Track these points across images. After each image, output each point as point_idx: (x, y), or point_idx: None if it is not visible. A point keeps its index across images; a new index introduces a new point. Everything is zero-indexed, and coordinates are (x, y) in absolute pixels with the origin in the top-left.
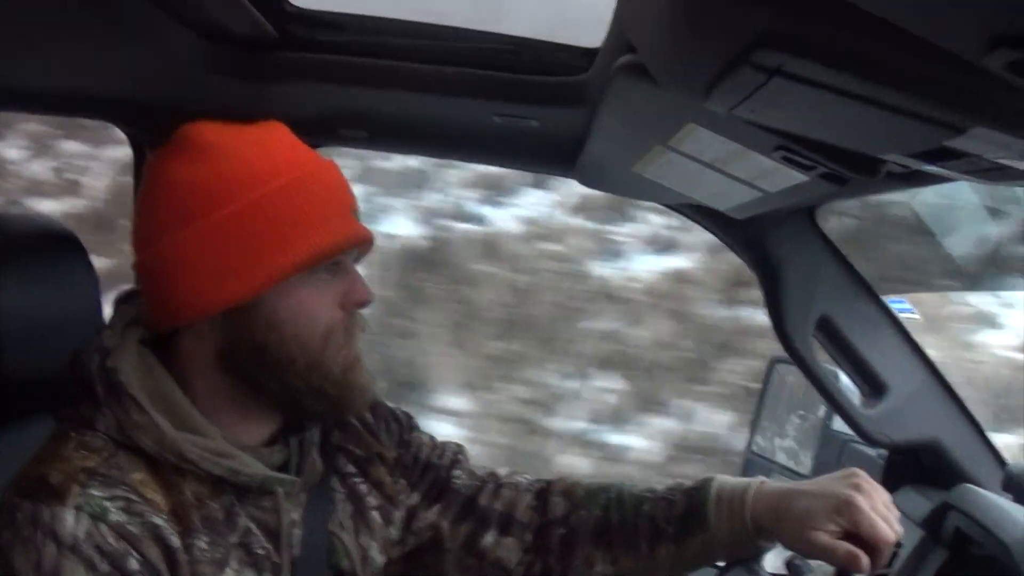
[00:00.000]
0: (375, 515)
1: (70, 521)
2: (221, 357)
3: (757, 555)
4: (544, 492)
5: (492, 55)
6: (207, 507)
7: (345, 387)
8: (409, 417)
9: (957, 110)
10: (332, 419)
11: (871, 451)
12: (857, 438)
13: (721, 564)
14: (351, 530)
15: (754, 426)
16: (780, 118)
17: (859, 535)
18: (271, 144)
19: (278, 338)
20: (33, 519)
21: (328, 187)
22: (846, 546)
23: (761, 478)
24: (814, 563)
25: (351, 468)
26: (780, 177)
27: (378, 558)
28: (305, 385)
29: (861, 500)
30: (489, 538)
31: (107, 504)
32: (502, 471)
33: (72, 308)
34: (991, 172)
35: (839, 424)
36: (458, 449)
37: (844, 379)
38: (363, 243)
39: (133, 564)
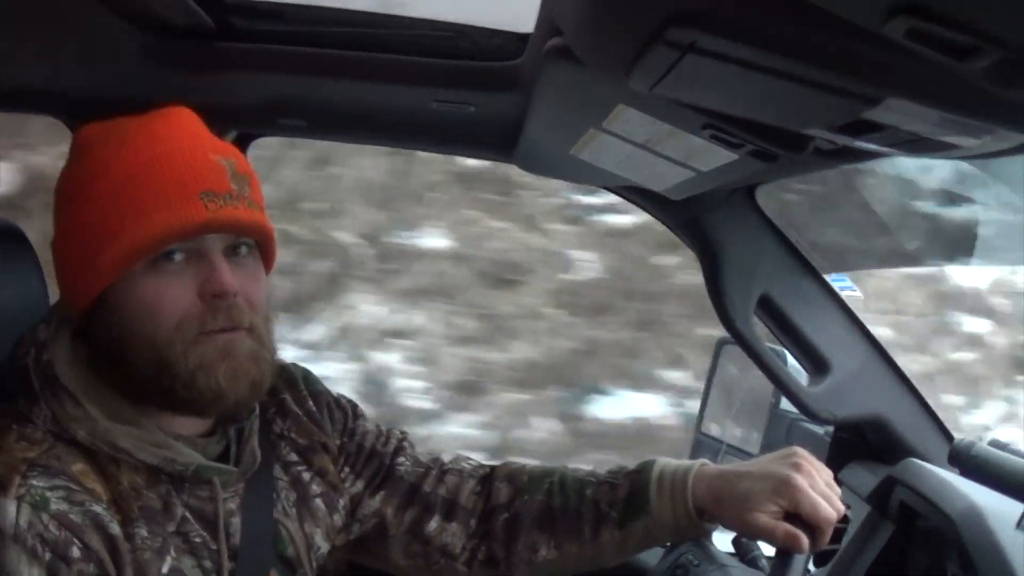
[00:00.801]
0: (319, 503)
1: (11, 511)
2: (90, 355)
3: (700, 537)
4: (488, 478)
5: (429, 41)
6: (144, 497)
7: (193, 389)
8: (354, 406)
9: (870, 81)
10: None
11: (819, 429)
12: (805, 417)
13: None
14: (295, 518)
15: (703, 407)
16: (701, 96)
17: (799, 515)
18: (132, 137)
19: (121, 333)
20: None
21: (171, 172)
22: (785, 527)
23: (703, 460)
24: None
25: (294, 456)
26: (711, 156)
27: (323, 545)
28: (155, 385)
29: (800, 480)
30: (434, 524)
31: (48, 494)
32: (447, 457)
33: (17, 301)
34: (911, 144)
35: (787, 403)
36: (403, 436)
37: (791, 359)
38: (210, 229)
39: (75, 552)
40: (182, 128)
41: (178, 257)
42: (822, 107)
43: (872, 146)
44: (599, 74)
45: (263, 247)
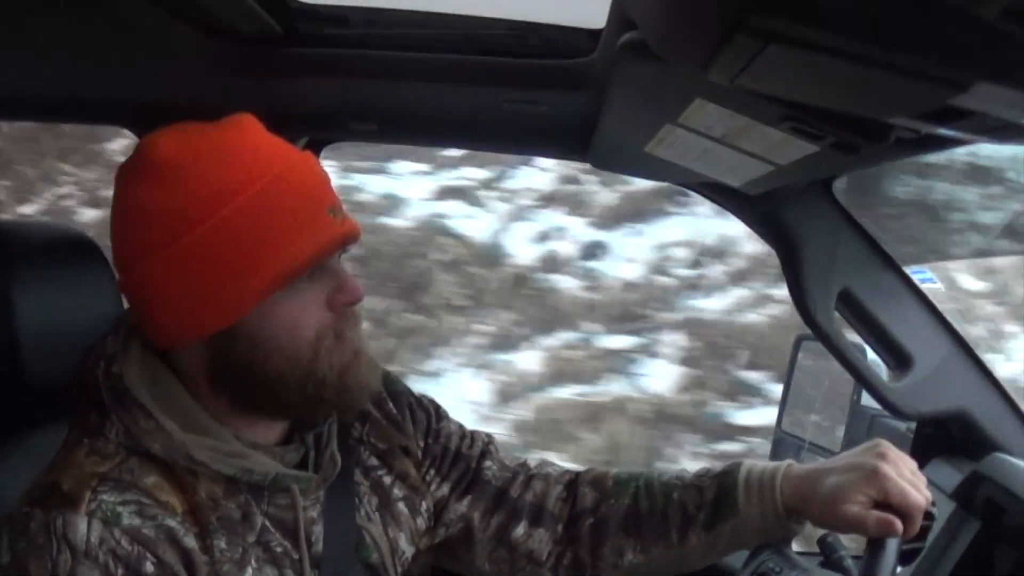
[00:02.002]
0: (401, 506)
1: (83, 528)
2: (211, 377)
3: (787, 539)
4: (573, 483)
5: (498, 41)
6: (223, 507)
7: (343, 390)
8: (436, 406)
9: (958, 66)
10: (340, 417)
11: (900, 424)
12: (886, 412)
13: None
14: (378, 523)
15: (783, 404)
16: (782, 86)
17: (889, 503)
18: (231, 151)
19: (263, 356)
20: (46, 527)
21: (297, 191)
22: (877, 513)
23: (789, 461)
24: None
25: (374, 461)
26: (791, 149)
27: (407, 549)
28: (300, 396)
29: (888, 468)
30: (520, 530)
31: (120, 509)
32: (532, 462)
33: (92, 315)
34: (1000, 131)
35: (868, 399)
36: (488, 439)
37: (871, 353)
38: (344, 243)
39: (148, 567)
40: (271, 140)
41: (311, 273)
42: (907, 94)
43: (957, 134)
44: (676, 68)
45: None
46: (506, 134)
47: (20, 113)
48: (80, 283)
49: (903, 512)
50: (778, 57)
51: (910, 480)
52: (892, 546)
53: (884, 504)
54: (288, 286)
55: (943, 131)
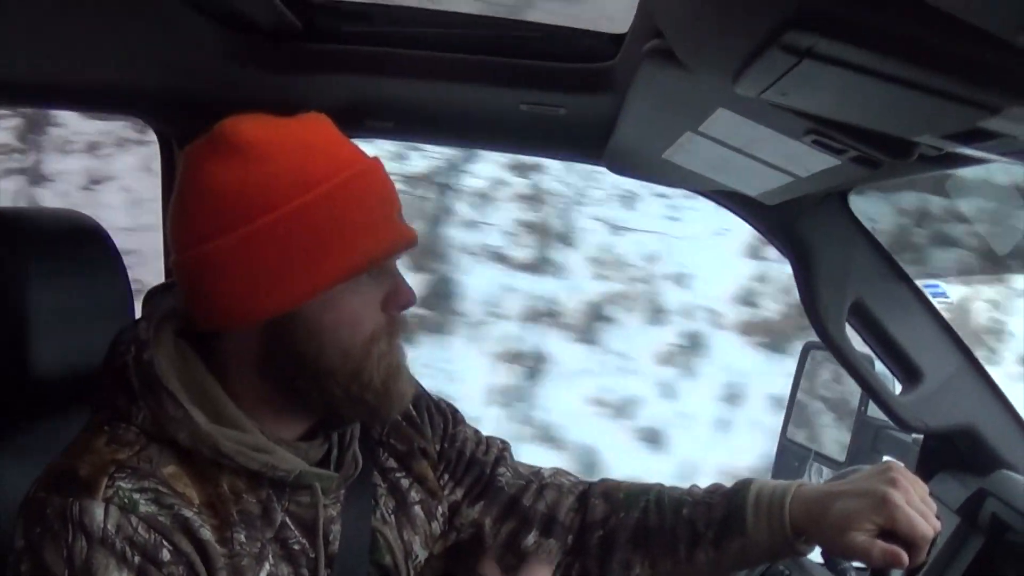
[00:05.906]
0: (417, 510)
1: (100, 514)
2: (260, 363)
3: (796, 559)
4: (585, 494)
5: (518, 43)
6: (244, 501)
7: (384, 396)
8: (454, 410)
9: (992, 89)
10: (369, 423)
11: (906, 437)
12: (892, 424)
13: None
14: (394, 525)
15: (788, 413)
16: (810, 102)
17: (896, 532)
18: (314, 144)
19: (318, 347)
20: (62, 513)
21: (372, 191)
22: (882, 545)
23: (800, 481)
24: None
25: (393, 463)
26: (811, 161)
27: (421, 553)
28: (344, 393)
29: (898, 496)
30: (531, 538)
31: (136, 496)
32: (546, 471)
33: (101, 303)
34: None
35: (874, 410)
36: (503, 446)
37: (879, 365)
38: (408, 246)
39: (165, 555)
40: (347, 140)
41: (373, 272)
42: (938, 115)
43: (982, 154)
44: (701, 77)
45: None
46: (523, 135)
47: (35, 100)
48: (90, 271)
49: (909, 542)
50: (810, 73)
51: (919, 509)
52: None
53: (890, 532)
54: (352, 280)
55: (967, 151)
